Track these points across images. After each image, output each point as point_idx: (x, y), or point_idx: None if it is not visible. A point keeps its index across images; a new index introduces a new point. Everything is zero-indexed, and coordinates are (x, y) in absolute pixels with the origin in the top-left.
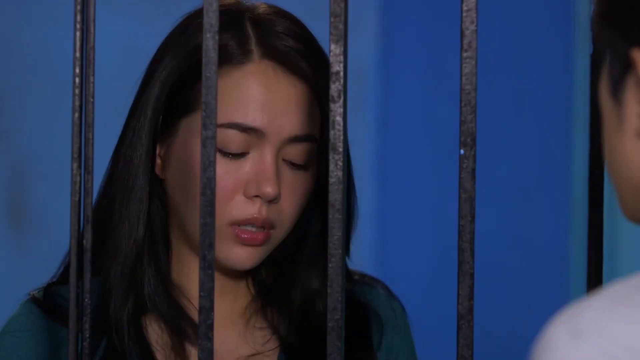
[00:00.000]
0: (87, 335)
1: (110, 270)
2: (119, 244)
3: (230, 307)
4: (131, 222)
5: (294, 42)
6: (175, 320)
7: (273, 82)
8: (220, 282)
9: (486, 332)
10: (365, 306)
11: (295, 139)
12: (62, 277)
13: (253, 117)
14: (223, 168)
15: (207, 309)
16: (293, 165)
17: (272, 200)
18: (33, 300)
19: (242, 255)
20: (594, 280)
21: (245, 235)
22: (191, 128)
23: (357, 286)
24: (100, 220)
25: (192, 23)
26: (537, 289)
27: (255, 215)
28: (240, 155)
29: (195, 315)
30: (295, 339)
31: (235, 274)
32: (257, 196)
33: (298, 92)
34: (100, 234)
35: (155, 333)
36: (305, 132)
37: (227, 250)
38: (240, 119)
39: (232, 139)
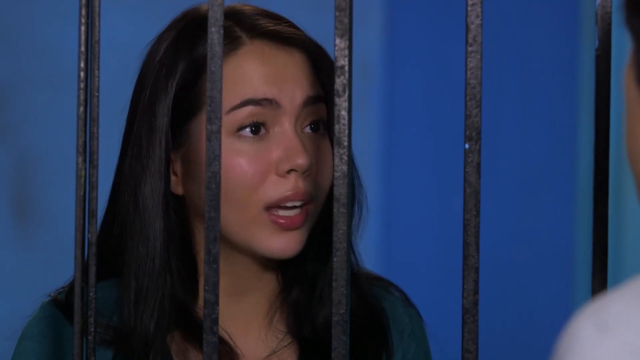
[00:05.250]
0: (92, 330)
1: (131, 290)
2: (139, 266)
3: (255, 308)
4: (149, 244)
5: (274, 19)
6: (200, 337)
7: (271, 56)
8: (246, 281)
9: (491, 326)
10: (382, 311)
11: (308, 102)
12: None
13: (263, 90)
14: (250, 152)
15: (212, 303)
16: (312, 134)
17: (306, 172)
18: (55, 302)
19: (283, 243)
20: (599, 274)
21: (283, 221)
22: (203, 127)
23: (374, 289)
24: (111, 237)
25: (187, 22)
26: (542, 283)
27: (293, 191)
28: (261, 137)
29: (222, 334)
30: (312, 335)
31: (266, 271)
32: (289, 171)
33: (297, 60)
34: (114, 247)
35: (179, 351)
36: (316, 93)
37: (267, 240)
38: (250, 94)
39: (249, 118)
